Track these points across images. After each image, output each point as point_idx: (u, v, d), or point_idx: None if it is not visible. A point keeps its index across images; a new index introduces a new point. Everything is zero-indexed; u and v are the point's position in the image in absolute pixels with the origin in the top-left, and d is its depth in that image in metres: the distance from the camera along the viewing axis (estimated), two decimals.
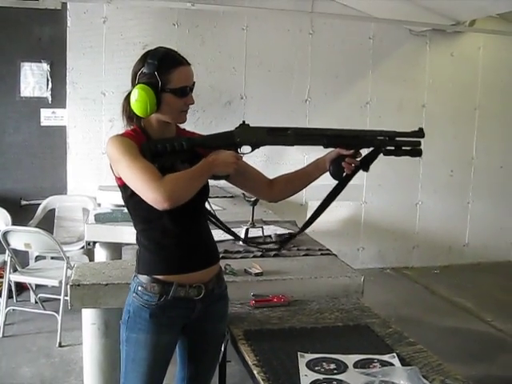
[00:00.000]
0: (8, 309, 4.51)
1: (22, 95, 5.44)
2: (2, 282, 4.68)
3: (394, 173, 6.40)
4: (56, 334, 4.28)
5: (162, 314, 2.04)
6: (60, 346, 4.24)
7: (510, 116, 6.74)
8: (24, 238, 4.31)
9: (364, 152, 2.12)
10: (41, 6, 5.22)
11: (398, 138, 2.07)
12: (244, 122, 2.07)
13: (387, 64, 6.32)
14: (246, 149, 2.06)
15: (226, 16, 5.77)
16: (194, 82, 2.06)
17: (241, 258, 3.09)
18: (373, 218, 6.50)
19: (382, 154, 2.08)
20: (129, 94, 2.04)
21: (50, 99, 5.50)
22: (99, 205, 5.33)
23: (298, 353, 2.02)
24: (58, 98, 5.50)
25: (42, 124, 5.51)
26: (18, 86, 5.40)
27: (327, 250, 3.29)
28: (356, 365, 1.94)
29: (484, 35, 6.42)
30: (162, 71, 1.97)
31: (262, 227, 3.49)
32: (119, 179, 2.00)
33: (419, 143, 2.07)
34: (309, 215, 5.82)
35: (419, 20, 5.86)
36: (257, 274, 2.79)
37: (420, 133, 2.05)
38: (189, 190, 1.93)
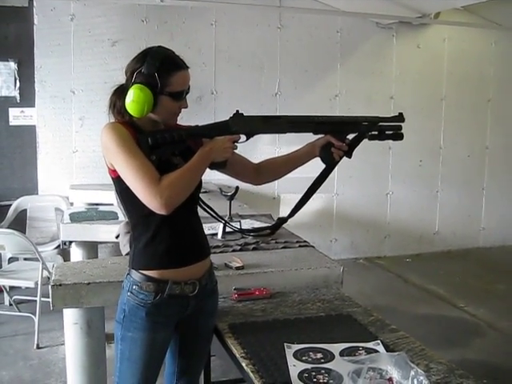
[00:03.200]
0: None
1: None
2: None
3: (365, 164, 6.47)
4: (33, 336, 4.24)
5: (158, 313, 2.05)
6: (38, 347, 4.19)
7: (476, 105, 6.88)
8: None
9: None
10: (7, 4, 5.15)
11: (381, 123, 2.16)
12: (238, 111, 2.09)
13: (355, 57, 6.39)
14: (241, 137, 2.08)
15: (194, 11, 5.76)
16: (189, 87, 2.06)
17: (220, 252, 3.11)
18: (345, 209, 6.57)
19: (366, 140, 2.16)
20: (118, 89, 2.03)
21: (18, 98, 5.43)
22: (72, 204, 5.29)
23: (285, 344, 2.05)
24: (27, 97, 5.43)
25: (10, 123, 5.43)
26: None
27: (305, 241, 3.34)
28: (342, 353, 1.98)
29: (449, 27, 6.52)
30: (163, 73, 1.95)
31: (239, 221, 3.51)
32: (113, 171, 1.99)
33: (400, 127, 2.17)
34: (281, 208, 5.83)
35: (386, 13, 5.94)
36: (237, 268, 2.81)
37: (400, 117, 2.16)
38: (188, 190, 1.96)
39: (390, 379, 1.64)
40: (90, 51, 5.41)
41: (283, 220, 2.36)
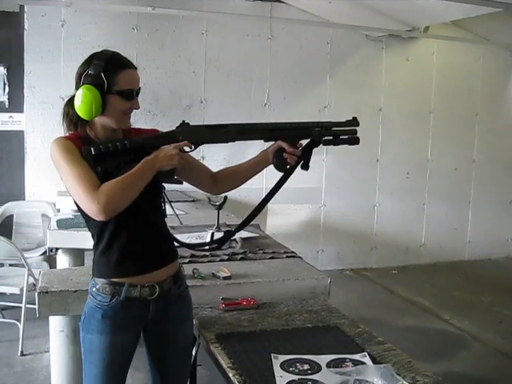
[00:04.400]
0: None
1: None
2: None
3: (352, 175, 6.51)
4: (17, 343, 4.20)
5: (115, 315, 2.05)
6: (22, 354, 4.16)
7: (464, 119, 6.94)
8: None
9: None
10: None
11: (334, 128, 2.11)
12: (184, 121, 2.08)
13: (344, 69, 6.43)
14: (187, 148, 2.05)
15: (185, 20, 5.77)
16: (140, 88, 2.07)
17: (208, 261, 3.10)
18: (332, 220, 6.58)
19: (322, 145, 2.12)
20: (70, 99, 2.04)
21: (6, 103, 5.40)
22: (58, 210, 5.26)
23: (272, 354, 2.05)
24: (16, 103, 5.41)
25: None
26: None
27: (292, 252, 3.34)
28: (329, 365, 1.98)
29: (438, 41, 6.58)
30: (109, 72, 1.97)
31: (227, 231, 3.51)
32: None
33: (355, 131, 2.12)
34: (269, 219, 5.84)
35: (376, 26, 5.98)
36: (225, 278, 2.80)
37: (355, 121, 2.11)
38: (127, 196, 1.93)
39: None
40: (80, 57, 5.26)
41: (230, 233, 2.32)
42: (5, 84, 5.37)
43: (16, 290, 4.26)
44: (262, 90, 6.16)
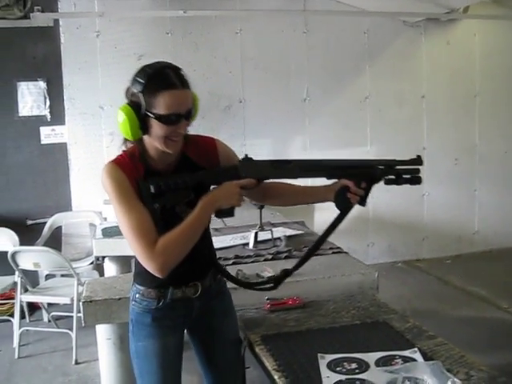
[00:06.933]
0: (22, 329, 4.49)
1: (20, 115, 5.41)
2: (14, 304, 4.65)
3: None
4: (71, 352, 4.26)
5: (164, 317, 2.05)
6: (76, 363, 4.21)
7: (511, 100, 6.69)
8: (32, 257, 4.28)
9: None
10: (33, 24, 5.20)
11: (398, 167, 2.05)
12: (246, 155, 2.01)
13: (384, 57, 6.29)
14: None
15: (218, 21, 5.74)
16: (191, 109, 1.89)
17: (252, 262, 3.07)
18: (380, 212, 6.45)
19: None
20: None
21: (48, 117, 5.48)
22: (105, 219, 5.30)
23: (318, 354, 1.99)
24: (57, 115, 5.48)
25: (42, 142, 5.48)
26: (16, 106, 5.38)
27: (338, 248, 3.27)
28: (378, 362, 1.91)
29: (478, 21, 6.38)
30: (148, 93, 1.81)
31: (271, 230, 3.47)
32: None
33: (418, 171, 2.05)
34: (316, 215, 5.71)
35: (412, 10, 5.83)
36: (269, 278, 2.76)
37: (419, 160, 2.04)
38: (186, 250, 1.89)
39: None
40: (117, 66, 5.43)
41: (287, 272, 2.26)
42: (45, 98, 5.44)
43: (67, 300, 4.31)
44: (301, 85, 6.08)
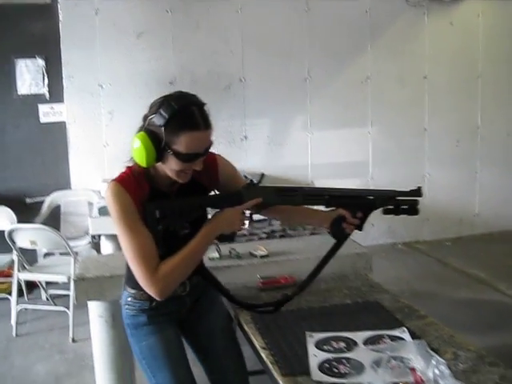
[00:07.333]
0: (19, 307, 4.51)
1: (19, 93, 5.38)
2: (12, 282, 4.66)
3: (399, 146, 6.34)
4: (68, 330, 4.26)
5: (158, 314, 2.08)
6: (73, 341, 4.22)
7: None
8: (29, 235, 4.28)
9: None
10: (31, 1, 5.16)
11: (397, 198, 2.06)
12: (252, 181, 2.03)
13: (386, 37, 6.22)
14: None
15: None
16: (208, 148, 1.89)
17: (246, 241, 3.06)
18: None
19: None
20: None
21: (47, 95, 5.44)
22: (104, 197, 5.29)
23: (307, 333, 1.98)
24: (56, 94, 5.44)
25: (41, 120, 5.45)
26: (15, 84, 5.35)
27: None
28: (366, 342, 1.91)
29: (482, 2, 6.31)
30: (171, 129, 1.80)
31: None
32: None
33: (417, 202, 2.06)
34: None
35: None
36: (262, 256, 2.75)
37: (418, 192, 2.04)
38: (185, 274, 1.95)
39: (413, 369, 1.55)
40: (116, 44, 5.39)
41: (288, 297, 2.26)
42: (44, 76, 5.40)
43: (64, 279, 4.31)
44: (302, 65, 6.03)
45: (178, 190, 2.01)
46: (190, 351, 2.24)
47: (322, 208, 2.13)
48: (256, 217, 3.34)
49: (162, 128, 1.80)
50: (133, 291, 2.07)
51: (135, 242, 1.85)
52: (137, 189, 1.90)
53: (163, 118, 1.80)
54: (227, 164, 2.14)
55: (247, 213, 2.03)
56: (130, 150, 1.89)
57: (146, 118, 1.87)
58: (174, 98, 1.84)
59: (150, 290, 1.88)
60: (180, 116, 1.80)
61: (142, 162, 1.84)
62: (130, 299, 2.08)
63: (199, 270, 2.12)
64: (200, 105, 1.86)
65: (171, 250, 1.90)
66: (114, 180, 1.92)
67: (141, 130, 1.87)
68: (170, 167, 1.87)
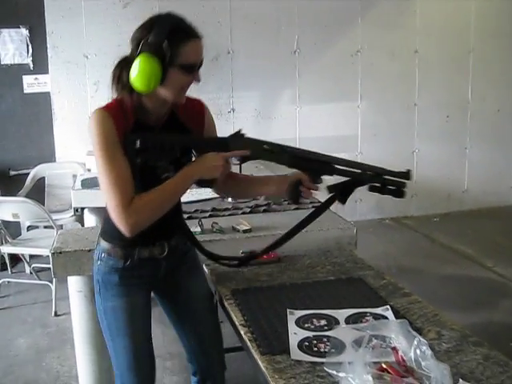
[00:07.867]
0: (2, 281, 4.46)
1: (2, 63, 5.27)
2: None
3: (388, 121, 6.28)
4: (51, 304, 4.23)
5: (131, 276, 2.01)
6: (56, 315, 4.19)
7: (506, 58, 6.56)
8: (11, 208, 4.21)
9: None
10: None
11: (386, 176, 1.99)
12: (240, 130, 1.96)
13: (377, 10, 6.11)
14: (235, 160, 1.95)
15: None
16: (203, 58, 1.89)
17: (229, 215, 3.01)
18: None
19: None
20: (122, 61, 1.84)
21: (31, 65, 5.32)
22: (89, 170, 5.20)
23: (287, 310, 1.94)
24: (40, 64, 5.33)
25: (25, 91, 5.34)
26: None
27: (319, 202, 3.18)
28: (348, 320, 1.86)
29: None
30: (173, 43, 1.78)
31: None
32: None
33: (404, 185, 2.00)
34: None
35: None
36: (245, 231, 2.71)
37: (407, 175, 1.98)
38: (160, 213, 1.87)
39: (394, 348, 1.51)
40: (102, 14, 5.26)
41: (255, 254, 2.24)
42: (28, 46, 5.28)
43: (47, 252, 4.24)
44: (291, 37, 5.92)
45: (163, 126, 1.96)
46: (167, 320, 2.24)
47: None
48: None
49: (165, 42, 1.77)
50: (107, 246, 2.00)
51: (112, 172, 1.79)
52: (122, 119, 1.84)
53: (163, 33, 1.78)
54: (212, 118, 2.13)
55: (234, 161, 1.95)
56: (115, 79, 1.85)
57: (138, 42, 1.80)
58: (164, 16, 1.85)
59: (120, 222, 1.80)
60: (179, 28, 1.81)
61: (146, 85, 1.79)
62: (104, 255, 2.01)
63: (178, 226, 2.10)
64: (186, 19, 1.87)
65: (147, 188, 1.85)
66: (98, 108, 1.86)
67: (134, 55, 1.80)
68: (172, 86, 1.84)
